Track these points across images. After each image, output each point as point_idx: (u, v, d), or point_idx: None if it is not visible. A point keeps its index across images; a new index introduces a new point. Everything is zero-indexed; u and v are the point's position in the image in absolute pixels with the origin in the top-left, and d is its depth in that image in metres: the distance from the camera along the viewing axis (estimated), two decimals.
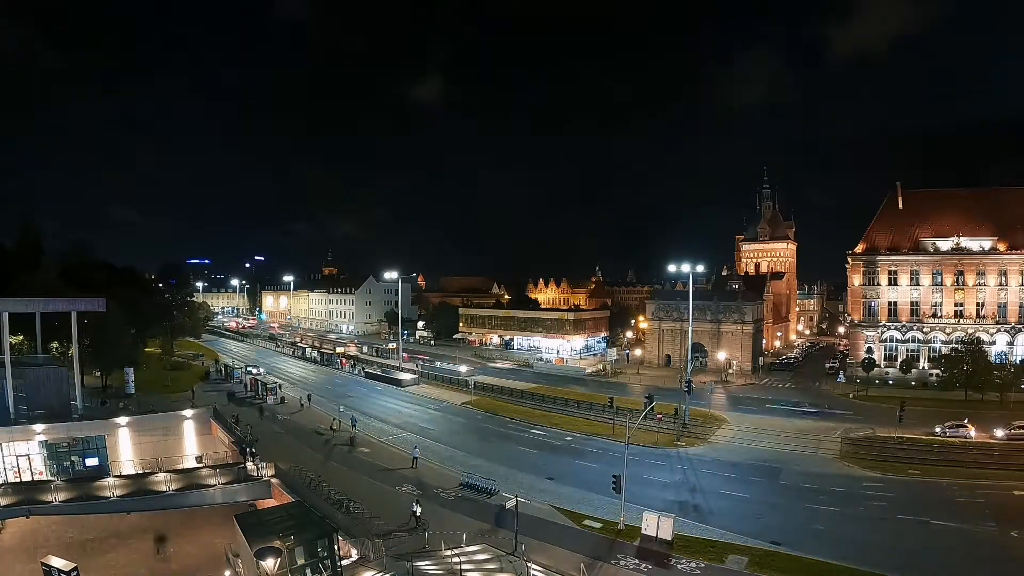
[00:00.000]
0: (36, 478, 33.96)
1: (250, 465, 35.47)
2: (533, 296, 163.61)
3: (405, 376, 76.96)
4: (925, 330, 73.46)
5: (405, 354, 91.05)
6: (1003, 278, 70.81)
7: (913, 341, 74.20)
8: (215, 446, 42.59)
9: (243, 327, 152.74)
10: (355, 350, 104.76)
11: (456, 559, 27.41)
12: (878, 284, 76.13)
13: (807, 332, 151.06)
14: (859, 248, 77.95)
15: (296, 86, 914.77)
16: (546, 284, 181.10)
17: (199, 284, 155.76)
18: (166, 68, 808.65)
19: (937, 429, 48.29)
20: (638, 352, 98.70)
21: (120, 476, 34.28)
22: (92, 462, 35.70)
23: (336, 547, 24.32)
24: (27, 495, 31.25)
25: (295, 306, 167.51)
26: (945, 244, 73.25)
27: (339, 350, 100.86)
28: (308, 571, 23.32)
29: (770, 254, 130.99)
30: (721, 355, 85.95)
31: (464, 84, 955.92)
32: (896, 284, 75.23)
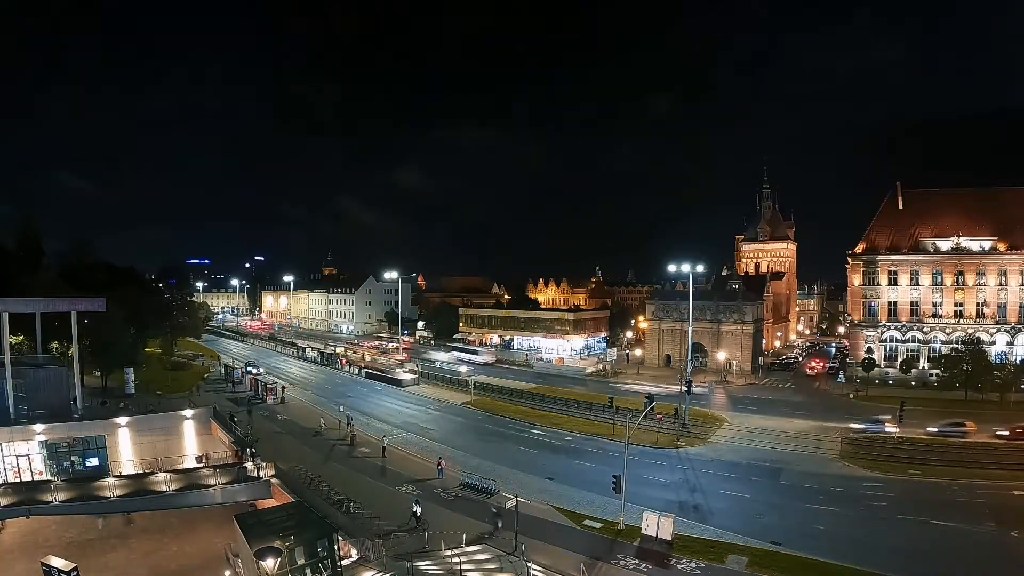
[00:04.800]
0: (36, 478, 33.97)
1: (250, 465, 35.49)
2: (533, 296, 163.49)
3: (405, 376, 76.96)
4: (925, 330, 73.42)
5: (406, 354, 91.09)
6: (1003, 278, 70.75)
7: (913, 341, 74.15)
8: (215, 446, 42.59)
9: (250, 327, 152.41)
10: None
11: (456, 559, 27.42)
12: (878, 284, 76.07)
13: (807, 332, 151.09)
14: (859, 248, 77.89)
15: (295, 84, 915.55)
16: (546, 284, 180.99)
17: (199, 284, 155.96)
18: (165, 67, 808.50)
19: (937, 429, 48.31)
20: (638, 352, 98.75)
21: (120, 476, 34.28)
22: (92, 462, 35.80)
23: (336, 547, 24.34)
24: (27, 495, 31.21)
25: (295, 306, 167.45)
26: (945, 244, 73.21)
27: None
28: (308, 571, 23.33)
29: (770, 254, 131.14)
30: (721, 355, 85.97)
31: (462, 81, 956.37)
32: (896, 284, 75.18)
